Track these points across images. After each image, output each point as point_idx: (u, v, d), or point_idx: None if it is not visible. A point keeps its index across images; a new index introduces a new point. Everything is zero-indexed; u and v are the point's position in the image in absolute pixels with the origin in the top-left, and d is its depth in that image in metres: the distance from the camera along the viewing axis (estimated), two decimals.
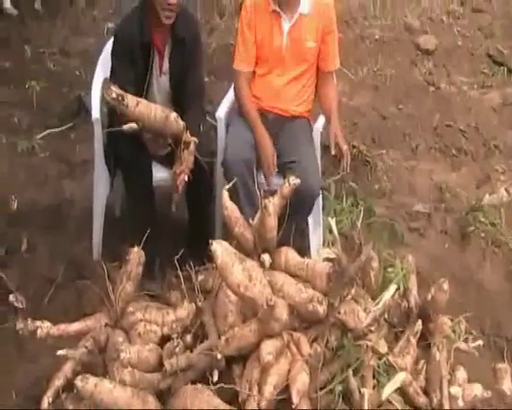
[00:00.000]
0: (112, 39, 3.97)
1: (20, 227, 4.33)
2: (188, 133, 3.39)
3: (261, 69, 3.95)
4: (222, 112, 4.01)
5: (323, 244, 4.02)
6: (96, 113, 3.84)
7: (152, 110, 3.17)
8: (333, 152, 3.67)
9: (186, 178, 3.45)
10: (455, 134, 6.04)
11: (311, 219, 3.85)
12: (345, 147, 3.66)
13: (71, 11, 10.87)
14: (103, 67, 4.02)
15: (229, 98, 4.14)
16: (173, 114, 3.27)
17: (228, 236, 3.19)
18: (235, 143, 3.72)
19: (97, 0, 11.93)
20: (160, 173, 3.74)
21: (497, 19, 10.20)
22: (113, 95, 2.99)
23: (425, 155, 5.68)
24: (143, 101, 3.20)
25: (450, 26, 9.70)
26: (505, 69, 7.81)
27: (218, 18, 9.89)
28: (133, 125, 3.22)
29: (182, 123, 3.32)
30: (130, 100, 3.07)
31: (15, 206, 4.62)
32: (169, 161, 3.51)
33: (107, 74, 3.84)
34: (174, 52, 3.78)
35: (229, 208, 3.04)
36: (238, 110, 3.99)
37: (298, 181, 3.01)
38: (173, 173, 3.46)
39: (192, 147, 3.40)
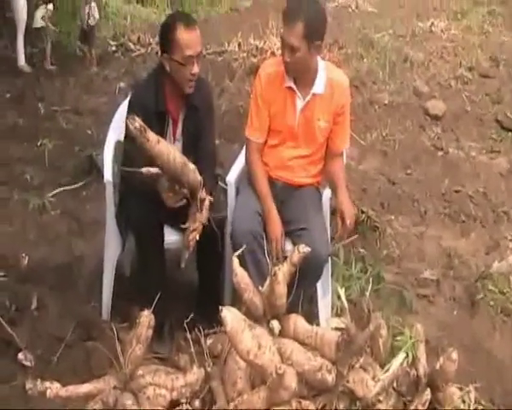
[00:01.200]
0: (124, 103, 4.03)
1: (31, 285, 4.32)
2: (204, 190, 3.40)
3: (273, 140, 3.95)
4: (232, 177, 4.03)
5: (332, 310, 4.02)
6: (108, 175, 3.87)
7: (171, 152, 3.15)
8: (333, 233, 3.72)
9: (197, 237, 3.47)
10: (463, 200, 6.06)
11: (319, 285, 3.85)
12: (348, 220, 3.66)
13: (83, 70, 11.06)
14: (115, 130, 4.07)
15: (240, 163, 4.16)
16: (192, 165, 3.27)
17: (237, 300, 3.21)
18: (242, 214, 3.72)
19: (109, 59, 12.14)
20: (170, 236, 3.76)
21: (505, 84, 10.31)
22: (137, 125, 2.98)
23: (434, 221, 5.69)
24: (164, 141, 3.20)
25: (458, 91, 9.81)
26: None
27: (229, 80, 10.00)
28: (152, 169, 3.22)
29: (199, 176, 3.32)
30: (152, 136, 3.07)
31: (26, 263, 4.63)
32: (179, 224, 3.53)
33: (120, 137, 3.90)
34: (188, 118, 3.82)
35: (239, 275, 3.05)
36: (248, 176, 4.01)
37: (307, 249, 3.03)
38: (186, 229, 3.47)
39: (207, 204, 3.41)
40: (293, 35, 3.56)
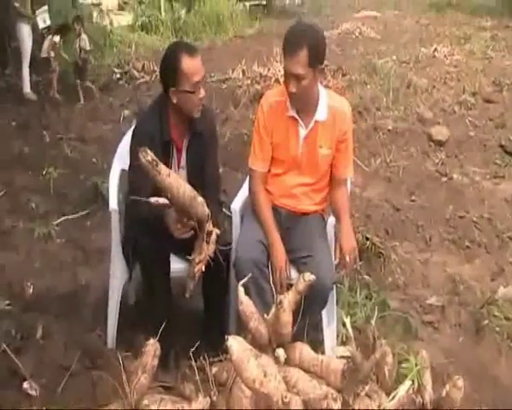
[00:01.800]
0: (129, 132, 4.06)
1: (36, 313, 4.33)
2: (211, 223, 3.41)
3: (277, 169, 3.96)
4: (237, 205, 4.05)
5: (337, 337, 4.01)
6: (113, 203, 3.89)
7: (181, 185, 3.16)
8: (336, 261, 3.72)
9: (203, 268, 3.47)
10: (468, 226, 6.07)
11: (324, 313, 3.84)
12: (347, 256, 3.65)
13: (88, 98, 11.14)
14: (121, 159, 4.09)
15: (244, 191, 4.17)
16: (200, 198, 3.28)
17: (242, 328, 3.21)
18: (245, 243, 3.73)
19: (114, 87, 12.22)
20: (176, 264, 3.77)
21: (509, 109, 10.36)
22: (149, 158, 3.01)
23: (438, 247, 5.69)
24: (174, 174, 3.21)
25: (462, 116, 9.85)
26: None
27: (233, 108, 10.05)
28: (160, 199, 3.24)
29: (207, 210, 3.31)
30: (163, 169, 3.09)
31: (31, 292, 4.65)
32: (185, 252, 3.53)
33: (125, 166, 3.92)
34: (191, 146, 3.85)
35: (245, 303, 3.06)
36: (252, 205, 4.01)
37: (313, 277, 3.04)
38: (192, 260, 3.48)
39: (214, 237, 3.41)
40: (299, 64, 3.56)
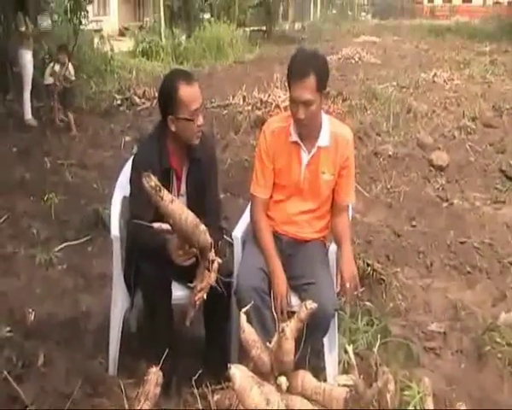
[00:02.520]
0: (131, 158, 4.08)
1: (37, 340, 4.31)
2: (213, 252, 3.42)
3: (279, 195, 3.96)
4: (239, 232, 4.04)
5: (339, 364, 4.00)
6: (114, 230, 3.89)
7: (184, 212, 3.17)
8: (337, 288, 3.72)
9: (205, 296, 3.47)
10: (469, 251, 6.06)
11: (326, 340, 3.83)
12: (348, 283, 3.64)
13: (89, 124, 11.18)
14: (122, 186, 4.10)
15: (246, 217, 4.17)
16: (203, 226, 3.28)
17: (244, 356, 3.21)
18: (246, 271, 3.72)
19: (114, 113, 12.28)
20: (177, 292, 3.76)
21: (509, 134, 10.41)
22: (152, 183, 3.02)
23: (440, 273, 5.68)
24: (178, 201, 3.22)
25: (462, 141, 9.91)
26: None
27: (233, 133, 10.10)
28: (163, 225, 3.25)
29: (210, 238, 3.32)
30: (166, 195, 3.10)
31: (32, 318, 4.64)
32: (187, 280, 3.54)
33: (126, 193, 3.93)
34: (191, 172, 3.86)
35: (247, 331, 3.07)
36: (253, 232, 4.01)
37: (315, 305, 3.04)
38: (193, 288, 3.48)
39: (215, 266, 3.42)
40: (308, 90, 3.59)
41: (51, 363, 4.09)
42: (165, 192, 3.09)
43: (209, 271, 3.37)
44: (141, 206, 3.35)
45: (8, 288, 5.11)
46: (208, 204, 3.80)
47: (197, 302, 3.45)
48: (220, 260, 3.42)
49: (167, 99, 3.68)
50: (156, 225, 3.25)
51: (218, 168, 4.14)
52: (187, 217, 3.19)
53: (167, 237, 3.42)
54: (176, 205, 3.15)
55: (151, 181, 3.03)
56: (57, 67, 11.06)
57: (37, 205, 7.03)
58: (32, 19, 11.65)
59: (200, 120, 3.68)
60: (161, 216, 3.17)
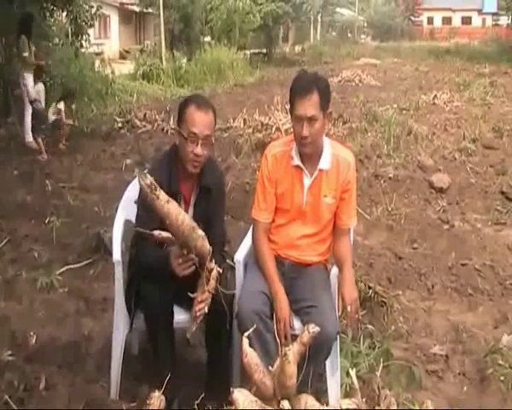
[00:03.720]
0: (133, 182, 4.09)
1: (39, 364, 4.30)
2: (213, 261, 3.42)
3: (281, 219, 3.97)
4: (241, 255, 4.04)
5: (341, 387, 3.99)
6: (116, 254, 3.89)
7: (181, 213, 3.18)
8: (339, 312, 3.72)
9: (206, 309, 3.46)
10: (471, 273, 6.05)
11: (328, 363, 3.82)
12: (349, 307, 3.64)
13: (90, 147, 11.20)
14: (124, 210, 4.11)
15: (247, 241, 4.17)
16: (201, 232, 3.30)
17: (246, 380, 3.21)
18: (248, 294, 3.73)
19: (115, 136, 12.32)
20: (179, 315, 3.76)
21: (509, 155, 10.43)
22: (148, 181, 3.04)
23: (441, 295, 5.67)
24: (174, 202, 3.24)
25: (462, 163, 9.91)
26: None
27: (234, 156, 10.11)
28: (163, 233, 3.26)
29: (208, 245, 3.34)
30: (162, 194, 3.12)
31: (34, 342, 4.63)
32: (188, 302, 3.54)
33: (129, 217, 3.95)
34: (199, 200, 3.89)
35: (249, 355, 3.06)
36: (255, 256, 4.02)
37: (317, 329, 3.04)
38: (194, 299, 3.47)
39: (214, 273, 3.42)
40: (312, 106, 3.65)
41: (53, 387, 4.08)
42: (160, 192, 3.11)
43: (208, 279, 3.38)
44: (146, 228, 3.36)
45: (10, 311, 5.10)
46: (214, 234, 3.77)
47: (198, 315, 3.45)
48: (219, 269, 3.43)
49: (179, 110, 3.80)
50: (157, 232, 3.26)
51: (225, 199, 4.18)
52: (183, 219, 3.20)
53: (169, 251, 3.45)
54: (172, 205, 3.17)
55: (146, 179, 3.05)
56: (61, 105, 11.20)
57: (39, 228, 7.03)
58: (34, 42, 11.68)
59: (196, 149, 3.69)
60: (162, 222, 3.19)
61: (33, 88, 10.96)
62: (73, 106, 12.48)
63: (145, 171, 3.81)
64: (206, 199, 3.88)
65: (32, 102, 10.87)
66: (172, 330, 3.76)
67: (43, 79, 11.31)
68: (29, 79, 11.06)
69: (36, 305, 5.27)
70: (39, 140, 10.81)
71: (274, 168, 3.90)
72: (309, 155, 3.83)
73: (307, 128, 3.68)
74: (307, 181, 3.87)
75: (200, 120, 3.70)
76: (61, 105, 11.33)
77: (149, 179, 3.06)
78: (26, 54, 11.06)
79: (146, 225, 3.40)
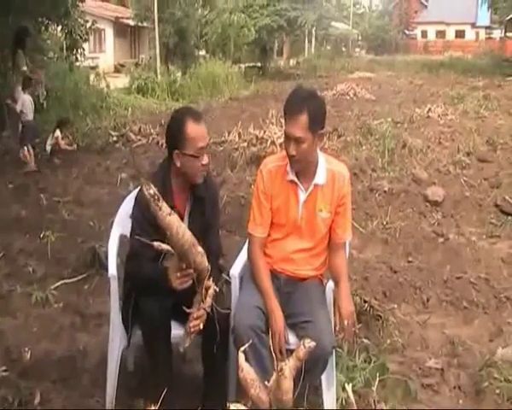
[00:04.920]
0: (128, 197, 4.10)
1: (34, 379, 4.31)
2: (210, 280, 3.42)
3: (276, 234, 3.97)
4: (236, 270, 4.04)
5: (337, 401, 3.99)
6: (112, 269, 3.89)
7: (182, 227, 3.17)
8: (336, 327, 3.73)
9: (201, 326, 3.46)
10: (465, 286, 6.05)
11: (324, 377, 3.82)
12: (345, 321, 3.65)
13: (85, 161, 11.20)
14: (120, 225, 4.12)
15: (243, 256, 4.17)
16: (200, 248, 3.30)
17: (242, 394, 3.20)
18: (243, 309, 3.73)
19: (110, 150, 12.31)
20: (175, 331, 3.75)
21: (503, 168, 10.44)
22: (151, 191, 3.04)
23: (436, 309, 5.67)
24: (176, 215, 3.23)
25: (457, 176, 9.93)
26: None
27: (229, 170, 10.12)
28: (163, 245, 3.25)
29: (206, 262, 3.33)
30: (165, 206, 3.12)
31: (28, 357, 4.61)
32: (185, 318, 3.53)
33: (124, 231, 3.95)
34: (193, 212, 3.88)
35: (245, 370, 3.06)
36: (250, 271, 4.01)
37: (313, 344, 3.04)
38: (190, 315, 3.46)
39: (211, 292, 3.42)
40: (299, 127, 3.65)
41: (48, 402, 4.09)
42: (163, 203, 3.11)
43: (205, 297, 3.37)
44: (142, 243, 3.36)
45: (5, 326, 5.09)
46: (208, 246, 3.75)
47: (192, 331, 3.45)
48: (217, 288, 3.43)
49: (175, 134, 3.73)
50: (156, 244, 3.26)
51: (220, 211, 4.18)
52: (184, 232, 3.20)
53: (167, 265, 3.45)
54: (174, 218, 3.17)
55: (150, 189, 3.06)
56: (58, 133, 11.30)
57: (34, 243, 7.01)
58: (28, 56, 11.72)
59: (205, 160, 3.72)
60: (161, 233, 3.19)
61: (31, 103, 10.96)
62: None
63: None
64: (200, 210, 3.87)
65: (19, 115, 10.89)
66: (169, 345, 3.74)
67: (31, 89, 11.27)
68: (24, 93, 11.07)
69: (31, 320, 5.25)
70: (25, 152, 10.78)
71: (269, 183, 3.91)
72: (302, 169, 3.84)
73: (294, 147, 3.70)
74: (302, 196, 3.88)
75: (202, 133, 3.72)
76: (58, 133, 11.40)
77: (153, 190, 3.06)
78: (24, 68, 11.08)
79: (141, 239, 3.40)
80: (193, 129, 3.67)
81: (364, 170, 9.98)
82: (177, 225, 3.17)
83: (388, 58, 48.64)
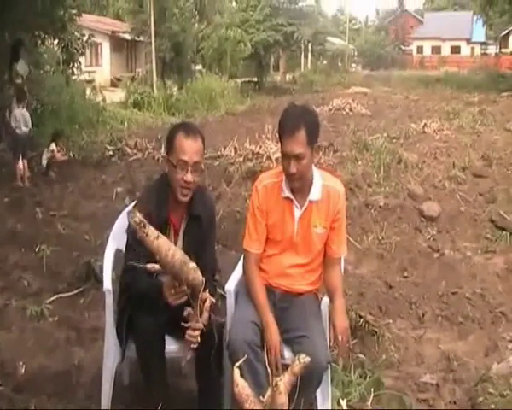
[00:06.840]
0: (124, 211, 4.09)
1: (28, 394, 4.29)
2: (206, 292, 3.42)
3: (272, 250, 3.97)
4: (231, 285, 4.03)
5: None
6: (107, 283, 3.89)
7: (171, 249, 3.17)
8: (331, 342, 3.73)
9: (199, 339, 3.46)
10: (461, 301, 6.06)
11: (319, 392, 3.81)
12: (340, 336, 3.64)
13: (81, 175, 11.20)
14: (115, 239, 4.12)
15: (238, 271, 4.16)
16: (193, 264, 3.28)
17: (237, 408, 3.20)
18: (238, 324, 3.72)
19: (106, 164, 12.32)
20: (169, 345, 3.75)
21: (498, 183, 10.45)
22: (137, 219, 3.04)
23: (432, 324, 5.67)
24: (164, 238, 3.23)
25: (452, 191, 9.94)
26: (508, 234, 7.95)
27: (225, 185, 10.12)
28: (156, 265, 3.25)
29: (200, 277, 3.32)
30: (152, 231, 3.12)
31: (23, 372, 4.60)
32: (179, 332, 3.53)
33: (120, 246, 3.95)
34: (189, 229, 3.88)
35: (240, 385, 3.06)
36: (246, 286, 4.01)
37: (308, 359, 3.04)
38: (187, 328, 3.46)
39: (208, 304, 3.41)
40: (299, 144, 3.66)
41: None
42: (150, 228, 3.12)
43: (201, 310, 3.37)
44: (137, 257, 3.36)
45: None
46: (204, 262, 3.74)
47: (191, 343, 3.44)
48: (213, 300, 3.43)
49: (167, 139, 3.82)
50: (150, 265, 3.26)
51: (216, 228, 4.18)
52: (174, 254, 3.20)
53: (162, 281, 3.44)
54: (162, 241, 3.17)
55: (135, 216, 3.06)
56: (53, 146, 11.35)
57: (29, 256, 7.01)
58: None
59: (186, 177, 3.70)
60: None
61: (12, 114, 10.94)
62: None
63: (134, 202, 3.85)
64: (196, 227, 3.87)
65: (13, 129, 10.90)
66: (164, 360, 3.74)
67: (25, 102, 11.26)
68: (20, 106, 11.08)
69: (26, 334, 5.24)
70: (16, 165, 10.79)
71: (264, 199, 3.91)
72: (300, 186, 3.85)
73: (294, 165, 3.70)
74: (297, 212, 3.89)
75: (188, 148, 3.71)
76: (53, 146, 11.46)
77: (138, 217, 3.06)
78: (19, 81, 11.11)
79: (136, 254, 3.41)
80: (181, 140, 3.72)
81: (360, 185, 9.98)
82: (166, 248, 3.17)
83: (384, 73, 48.83)
